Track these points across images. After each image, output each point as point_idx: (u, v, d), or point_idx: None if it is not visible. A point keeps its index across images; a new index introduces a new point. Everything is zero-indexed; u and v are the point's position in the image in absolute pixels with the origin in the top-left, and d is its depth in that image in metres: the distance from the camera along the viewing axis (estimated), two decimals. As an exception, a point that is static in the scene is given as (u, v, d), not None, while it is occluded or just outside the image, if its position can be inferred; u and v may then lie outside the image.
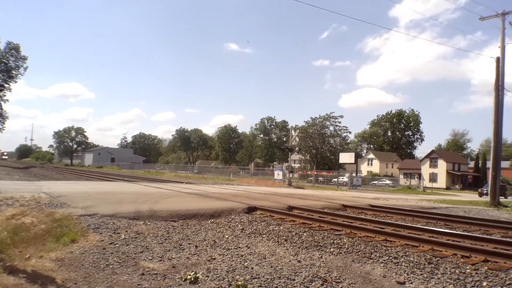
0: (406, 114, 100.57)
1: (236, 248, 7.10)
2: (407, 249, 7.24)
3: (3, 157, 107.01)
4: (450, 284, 5.33)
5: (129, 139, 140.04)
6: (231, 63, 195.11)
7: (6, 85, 58.72)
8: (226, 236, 8.31)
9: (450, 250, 7.08)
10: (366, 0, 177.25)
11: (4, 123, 64.49)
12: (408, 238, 8.06)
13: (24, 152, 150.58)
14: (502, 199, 25.43)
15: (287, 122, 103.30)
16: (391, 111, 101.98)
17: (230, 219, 10.62)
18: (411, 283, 5.42)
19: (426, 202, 23.90)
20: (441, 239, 8.23)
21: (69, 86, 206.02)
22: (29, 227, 6.73)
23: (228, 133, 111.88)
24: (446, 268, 5.99)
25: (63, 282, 4.52)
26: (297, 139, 43.86)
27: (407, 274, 5.77)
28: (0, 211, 8.34)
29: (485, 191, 37.42)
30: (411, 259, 6.51)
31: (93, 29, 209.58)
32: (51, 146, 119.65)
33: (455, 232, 9.44)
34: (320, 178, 53.99)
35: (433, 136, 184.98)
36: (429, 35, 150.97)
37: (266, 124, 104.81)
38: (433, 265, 6.16)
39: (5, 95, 61.32)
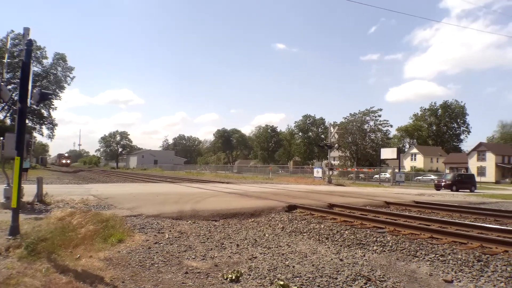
0: (452, 105, 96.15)
1: (277, 247, 7.12)
2: (454, 247, 6.99)
3: (64, 160, 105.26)
4: (501, 283, 5.10)
5: (170, 141, 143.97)
6: (278, 63, 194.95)
7: (55, 94, 61.60)
8: (267, 235, 8.34)
9: (501, 247, 6.78)
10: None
11: (54, 130, 67.95)
12: (456, 235, 7.79)
13: (73, 156, 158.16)
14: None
15: (324, 119, 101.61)
16: (435, 103, 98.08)
17: (270, 218, 10.66)
18: (459, 281, 5.23)
19: (474, 197, 22.93)
20: (491, 235, 7.89)
21: (120, 92, 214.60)
22: (78, 228, 7.07)
23: (267, 132, 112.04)
24: (497, 266, 5.74)
25: (111, 280, 4.72)
26: (336, 135, 43.30)
27: (455, 273, 5.57)
28: (51, 213, 8.82)
29: (442, 183, 33.55)
30: (459, 256, 6.28)
31: (142, 37, 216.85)
32: (98, 150, 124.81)
33: (506, 228, 9.01)
34: (361, 175, 52.76)
35: (483, 128, 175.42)
36: (482, 23, 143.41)
37: (305, 121, 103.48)
38: (482, 263, 5.91)
39: (53, 103, 64.43)
